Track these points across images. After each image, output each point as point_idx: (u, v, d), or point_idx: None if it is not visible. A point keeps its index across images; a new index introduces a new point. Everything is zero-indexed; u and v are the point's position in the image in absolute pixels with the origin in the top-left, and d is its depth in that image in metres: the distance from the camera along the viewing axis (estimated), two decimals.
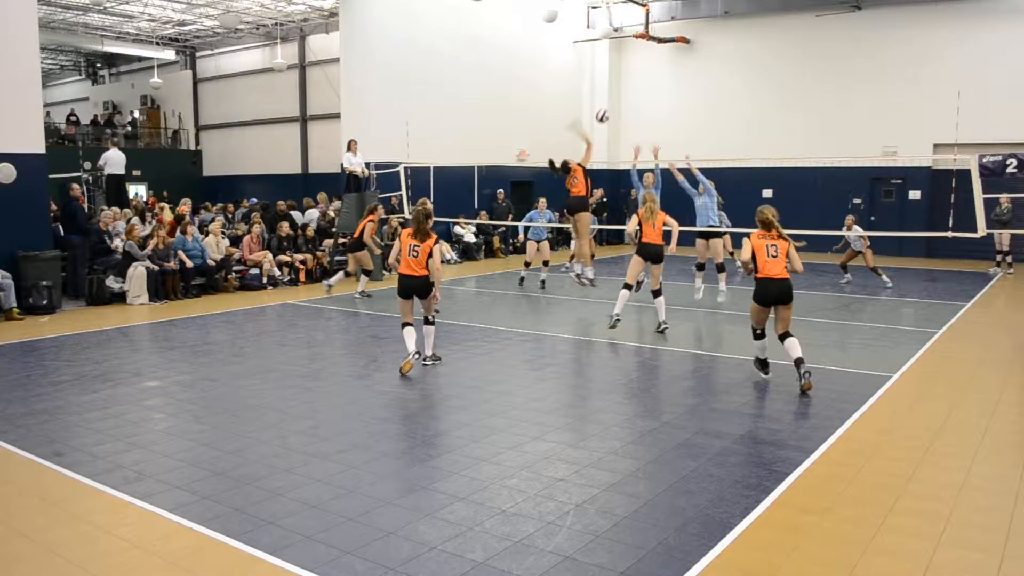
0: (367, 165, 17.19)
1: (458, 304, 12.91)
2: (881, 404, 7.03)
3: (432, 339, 8.54)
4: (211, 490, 5.02)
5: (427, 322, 8.49)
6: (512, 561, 4.04)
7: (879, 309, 12.35)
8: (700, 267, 12.85)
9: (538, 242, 14.94)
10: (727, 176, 21.24)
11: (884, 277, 14.56)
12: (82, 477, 5.27)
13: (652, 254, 10.21)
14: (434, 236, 8.35)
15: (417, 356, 8.16)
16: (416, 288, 8.27)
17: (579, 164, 11.57)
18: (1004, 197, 16.71)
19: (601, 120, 14.10)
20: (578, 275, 11.74)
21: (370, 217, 13.61)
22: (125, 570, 4.06)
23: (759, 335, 7.73)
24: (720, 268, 12.71)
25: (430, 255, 8.20)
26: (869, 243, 14.80)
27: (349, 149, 16.65)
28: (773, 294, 7.54)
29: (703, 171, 13.35)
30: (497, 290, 14.58)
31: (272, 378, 8.04)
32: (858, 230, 14.78)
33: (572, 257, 14.15)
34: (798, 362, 7.36)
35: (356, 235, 13.60)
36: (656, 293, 10.34)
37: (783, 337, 7.54)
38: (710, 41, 23.50)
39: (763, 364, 7.85)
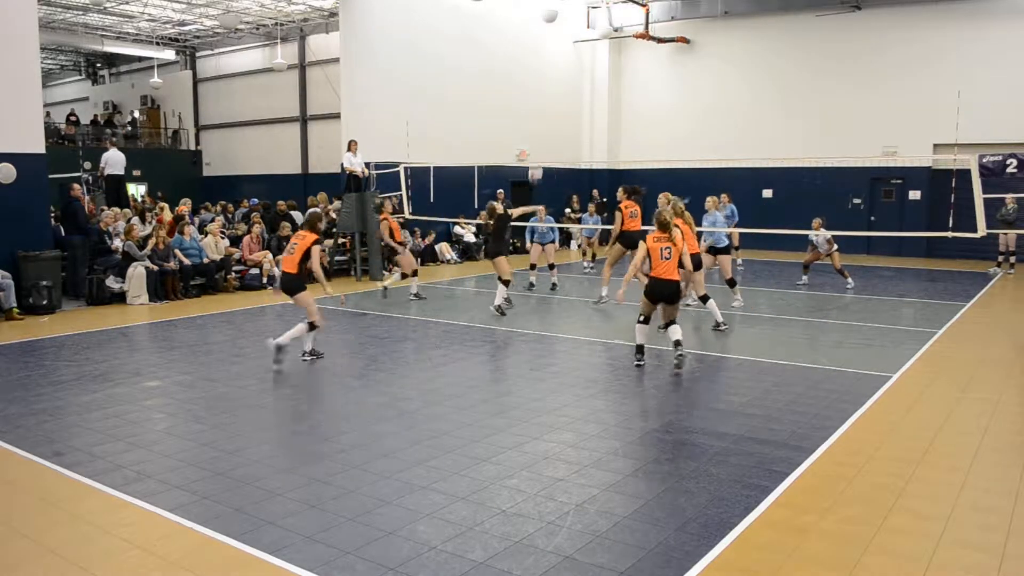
0: (367, 165, 17.20)
1: (458, 304, 12.91)
2: (881, 404, 7.03)
3: (298, 334, 8.44)
4: (211, 490, 5.02)
5: (311, 326, 8.56)
6: (512, 561, 4.04)
7: (879, 309, 12.34)
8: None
9: (543, 245, 15.09)
10: (727, 176, 21.32)
11: (849, 280, 14.43)
12: (82, 477, 5.27)
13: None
14: (314, 236, 8.58)
15: (305, 356, 8.58)
16: (286, 286, 8.57)
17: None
18: (1010, 197, 16.67)
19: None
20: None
21: (382, 217, 13.40)
22: (125, 570, 4.06)
23: (642, 322, 8.35)
24: (731, 284, 12.18)
25: (307, 255, 8.41)
26: (836, 246, 14.66)
27: (349, 149, 16.65)
28: (663, 294, 8.15)
29: (702, 171, 13.36)
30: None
31: (272, 378, 8.04)
32: (825, 233, 14.49)
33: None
34: (676, 343, 8.08)
35: (385, 242, 13.45)
36: (704, 299, 10.33)
37: (667, 326, 8.31)
38: (710, 41, 23.50)
39: (639, 350, 8.38)
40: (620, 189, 12.70)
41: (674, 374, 8.03)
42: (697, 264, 10.03)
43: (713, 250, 12.08)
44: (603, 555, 4.11)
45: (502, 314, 11.41)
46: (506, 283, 11.65)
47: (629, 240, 11.92)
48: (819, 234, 14.44)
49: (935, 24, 20.01)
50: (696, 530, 4.42)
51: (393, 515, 4.61)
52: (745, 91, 22.84)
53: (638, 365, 8.32)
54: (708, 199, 12.65)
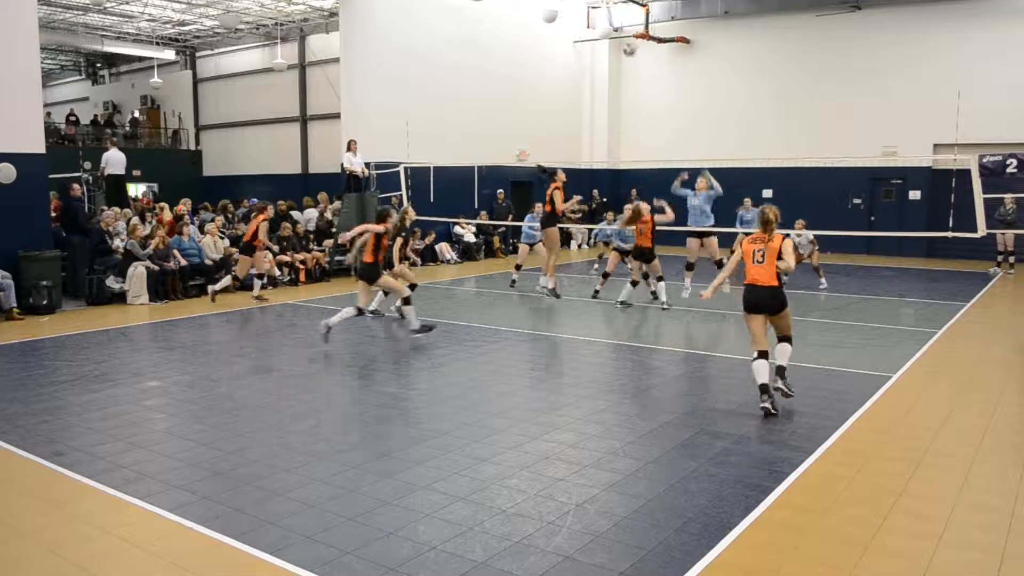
0: (367, 165, 17.19)
1: (458, 304, 12.90)
2: (881, 404, 7.03)
3: (346, 316, 9.48)
4: (211, 490, 5.02)
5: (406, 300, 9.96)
6: (512, 561, 4.04)
7: (879, 309, 12.35)
8: (690, 267, 12.78)
9: (531, 245, 14.95)
10: (727, 176, 21.24)
11: (823, 279, 14.49)
12: (82, 477, 5.27)
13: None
14: (382, 226, 9.59)
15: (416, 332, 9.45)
16: (364, 275, 9.78)
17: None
18: (1009, 197, 16.65)
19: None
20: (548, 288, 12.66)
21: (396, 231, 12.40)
22: (125, 570, 4.06)
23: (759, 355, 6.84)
24: (719, 264, 12.22)
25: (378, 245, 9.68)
26: (817, 246, 14.78)
27: (349, 149, 16.65)
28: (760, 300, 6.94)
29: (701, 171, 13.45)
30: (497, 290, 14.58)
31: (272, 378, 8.05)
32: (808, 233, 14.45)
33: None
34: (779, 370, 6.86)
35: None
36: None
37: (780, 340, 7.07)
38: (710, 41, 23.50)
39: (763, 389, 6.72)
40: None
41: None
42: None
43: (698, 234, 12.66)
44: (603, 555, 4.11)
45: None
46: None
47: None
48: (801, 235, 14.38)
49: (935, 24, 20.00)
50: (696, 530, 4.42)
51: (393, 515, 4.61)
52: (745, 91, 22.84)
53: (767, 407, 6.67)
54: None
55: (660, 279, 12.13)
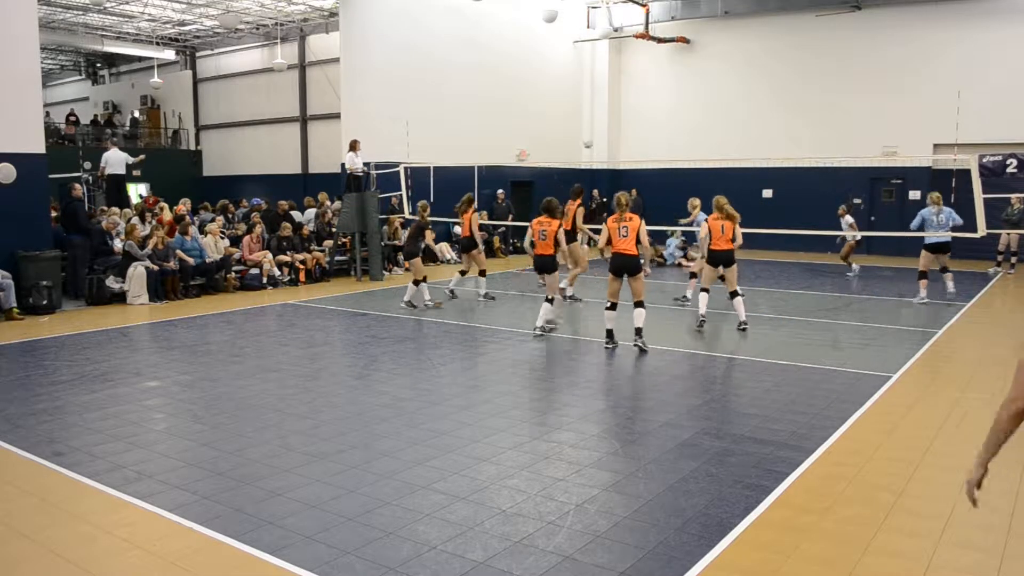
0: (365, 165, 17.19)
1: (458, 304, 12.90)
2: (881, 404, 7.03)
3: (549, 312, 10.11)
4: (211, 490, 5.02)
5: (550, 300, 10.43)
6: (512, 561, 4.04)
7: (879, 309, 12.35)
8: (694, 275, 12.94)
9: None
10: (727, 176, 21.31)
11: (854, 266, 15.41)
12: (82, 477, 5.27)
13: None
14: (557, 221, 10.08)
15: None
16: (542, 267, 10.46)
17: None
18: (1015, 197, 16.63)
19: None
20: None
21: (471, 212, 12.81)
22: (125, 570, 4.06)
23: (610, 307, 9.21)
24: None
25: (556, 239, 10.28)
26: (856, 233, 15.68)
27: (352, 149, 16.67)
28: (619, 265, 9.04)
29: (702, 171, 13.58)
30: (497, 290, 14.56)
31: (272, 378, 8.05)
32: (848, 219, 15.62)
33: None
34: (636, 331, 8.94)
35: (466, 232, 12.87)
36: (734, 295, 10.54)
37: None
38: (710, 41, 23.50)
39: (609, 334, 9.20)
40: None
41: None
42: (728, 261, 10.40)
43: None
44: (603, 555, 4.11)
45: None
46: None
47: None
48: (844, 219, 15.48)
49: (935, 24, 20.00)
50: (696, 530, 4.42)
51: (393, 515, 4.61)
52: (745, 91, 22.84)
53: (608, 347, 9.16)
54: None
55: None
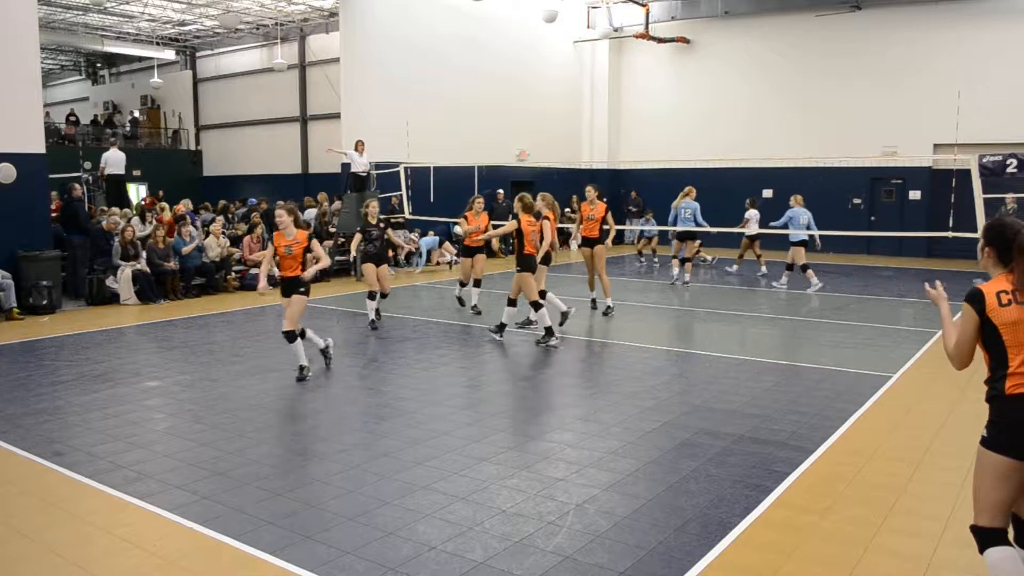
0: (369, 165, 17.20)
1: (458, 304, 12.88)
2: (881, 404, 7.03)
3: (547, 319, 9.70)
4: (211, 490, 5.01)
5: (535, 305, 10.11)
6: (512, 561, 4.04)
7: (879, 309, 12.34)
8: (683, 261, 14.78)
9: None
10: (727, 176, 21.33)
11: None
12: (82, 477, 5.27)
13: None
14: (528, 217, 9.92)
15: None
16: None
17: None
18: (1010, 197, 16.62)
19: None
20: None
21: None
22: (125, 570, 4.06)
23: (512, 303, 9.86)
24: (683, 261, 14.70)
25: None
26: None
27: (356, 149, 16.67)
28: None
29: (702, 171, 13.75)
30: (497, 290, 14.55)
31: (272, 378, 8.05)
32: (756, 213, 16.06)
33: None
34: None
35: (480, 236, 11.87)
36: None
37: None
38: (710, 41, 23.50)
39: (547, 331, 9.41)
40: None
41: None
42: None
43: (681, 236, 14.75)
44: (603, 555, 4.11)
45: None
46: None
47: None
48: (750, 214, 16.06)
49: (935, 24, 20.00)
50: (696, 530, 4.42)
51: (393, 515, 4.61)
52: (745, 91, 22.84)
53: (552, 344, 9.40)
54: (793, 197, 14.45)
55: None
